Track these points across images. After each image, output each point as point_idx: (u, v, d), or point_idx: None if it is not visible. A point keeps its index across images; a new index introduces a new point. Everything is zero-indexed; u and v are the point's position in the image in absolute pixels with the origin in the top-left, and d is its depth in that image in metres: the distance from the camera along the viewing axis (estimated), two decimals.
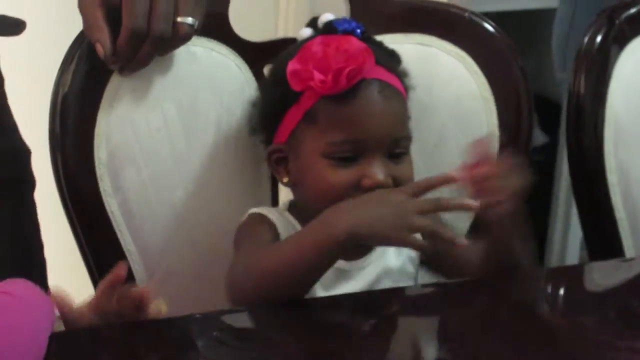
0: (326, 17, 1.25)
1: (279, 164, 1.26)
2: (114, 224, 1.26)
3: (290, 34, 1.37)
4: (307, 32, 1.27)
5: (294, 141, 1.23)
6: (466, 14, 1.41)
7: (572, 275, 1.33)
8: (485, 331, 1.13)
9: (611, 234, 1.46)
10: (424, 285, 1.30)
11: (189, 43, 1.23)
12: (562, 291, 1.30)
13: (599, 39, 1.45)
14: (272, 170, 1.29)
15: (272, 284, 1.13)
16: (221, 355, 1.08)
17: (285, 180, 1.26)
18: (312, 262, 1.11)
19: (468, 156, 1.13)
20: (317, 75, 1.16)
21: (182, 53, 1.25)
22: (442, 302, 1.22)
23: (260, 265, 1.16)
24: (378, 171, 1.17)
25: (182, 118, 1.28)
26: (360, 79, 1.17)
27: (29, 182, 1.34)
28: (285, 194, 1.38)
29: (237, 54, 1.33)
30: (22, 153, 1.34)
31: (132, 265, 1.27)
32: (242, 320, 1.17)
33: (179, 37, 1.19)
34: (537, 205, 1.38)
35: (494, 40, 1.41)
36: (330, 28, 1.24)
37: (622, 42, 1.47)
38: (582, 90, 1.44)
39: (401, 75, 1.25)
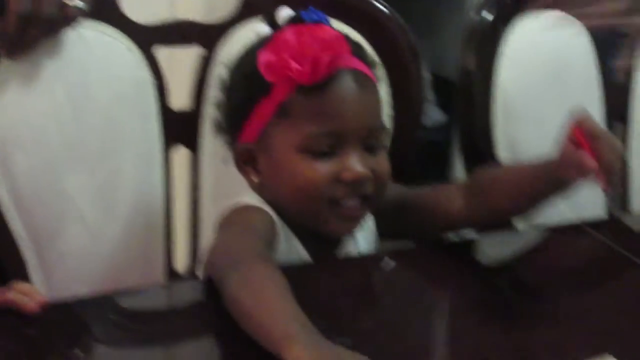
0: (286, 11, 1.19)
1: (247, 164, 1.21)
2: (3, 209, 1.25)
3: (186, 17, 1.38)
4: (265, 29, 1.22)
5: (266, 138, 1.18)
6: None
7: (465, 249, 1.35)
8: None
9: None
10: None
11: (78, 26, 1.23)
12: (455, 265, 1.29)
13: (486, 16, 1.47)
14: (239, 171, 1.23)
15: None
16: (116, 338, 1.07)
17: (256, 180, 1.21)
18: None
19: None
20: (294, 65, 1.12)
21: (71, 36, 1.25)
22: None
23: (234, 285, 1.06)
24: (357, 164, 1.14)
25: (72, 102, 1.27)
26: (339, 70, 1.14)
27: None
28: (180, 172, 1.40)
29: (127, 37, 1.32)
30: None
31: (23, 250, 1.27)
32: (137, 301, 1.17)
33: (67, 20, 1.19)
34: (436, 183, 1.40)
35: (384, 21, 1.42)
36: (296, 17, 1.19)
37: (508, 19, 1.49)
38: (471, 67, 1.47)
39: (371, 65, 1.22)
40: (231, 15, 1.37)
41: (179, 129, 1.37)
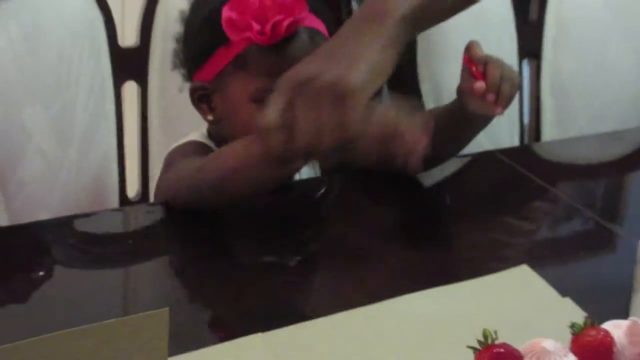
0: None
1: (202, 101, 1.20)
2: None
3: None
4: None
5: (221, 82, 1.18)
6: None
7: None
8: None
9: None
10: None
11: None
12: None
13: None
14: (194, 106, 1.22)
15: (211, 194, 1.11)
16: (74, 258, 1.11)
17: (210, 117, 1.21)
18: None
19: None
20: (256, 26, 1.11)
21: None
22: None
23: (198, 176, 1.12)
24: None
25: (26, 39, 1.28)
26: (297, 29, 1.13)
27: None
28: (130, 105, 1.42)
29: None
30: None
31: None
32: (93, 225, 1.20)
33: None
34: None
35: None
36: None
37: None
38: None
39: (326, 19, 1.20)
40: None
41: (128, 64, 1.37)
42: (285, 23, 1.10)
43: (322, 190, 1.28)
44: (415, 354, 0.92)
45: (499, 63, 1.13)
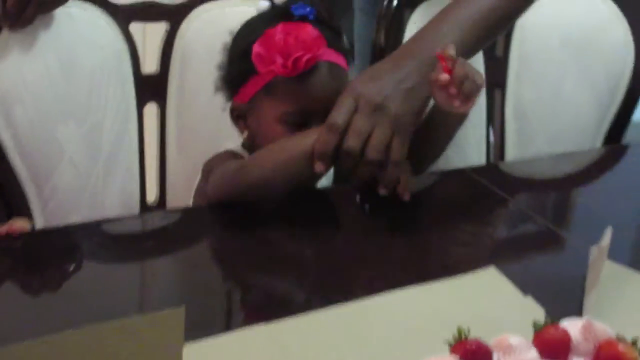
0: None
1: (239, 119, 1.23)
2: (7, 152, 1.26)
3: None
4: (264, 4, 1.22)
5: (254, 105, 1.20)
6: None
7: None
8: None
9: None
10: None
11: (66, 5, 1.23)
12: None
13: (394, 3, 1.46)
14: (233, 123, 1.25)
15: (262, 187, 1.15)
16: (100, 256, 1.10)
17: (245, 134, 1.23)
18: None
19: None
20: (279, 60, 1.14)
21: (60, 13, 1.25)
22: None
23: (242, 171, 1.17)
24: None
25: (61, 67, 1.28)
26: (318, 63, 1.15)
27: None
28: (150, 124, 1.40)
29: (108, 14, 1.31)
30: None
31: (23, 186, 1.28)
32: (117, 228, 1.19)
33: (59, 2, 1.20)
34: None
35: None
36: (287, 12, 1.18)
37: (413, 6, 1.48)
38: (382, 43, 1.46)
39: (345, 52, 1.22)
40: None
41: (150, 89, 1.37)
42: (305, 58, 1.13)
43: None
44: (396, 347, 0.91)
45: (466, 64, 1.12)
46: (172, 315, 0.71)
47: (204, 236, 1.17)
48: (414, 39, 1.25)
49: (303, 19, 1.17)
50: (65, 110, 1.29)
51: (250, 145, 1.24)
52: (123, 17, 1.33)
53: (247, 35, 1.20)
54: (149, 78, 1.37)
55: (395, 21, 1.46)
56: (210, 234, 1.18)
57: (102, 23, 1.31)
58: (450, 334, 0.78)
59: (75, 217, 1.29)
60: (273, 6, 1.21)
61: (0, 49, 1.23)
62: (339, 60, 1.20)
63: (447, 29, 1.23)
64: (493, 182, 1.33)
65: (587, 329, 0.81)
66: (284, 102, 1.17)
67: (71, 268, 1.07)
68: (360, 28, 1.71)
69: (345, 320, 0.94)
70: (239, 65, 1.21)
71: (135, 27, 1.35)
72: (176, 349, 0.72)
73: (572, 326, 0.82)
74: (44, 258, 1.06)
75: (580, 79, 1.62)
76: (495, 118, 1.60)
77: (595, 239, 1.05)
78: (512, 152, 1.61)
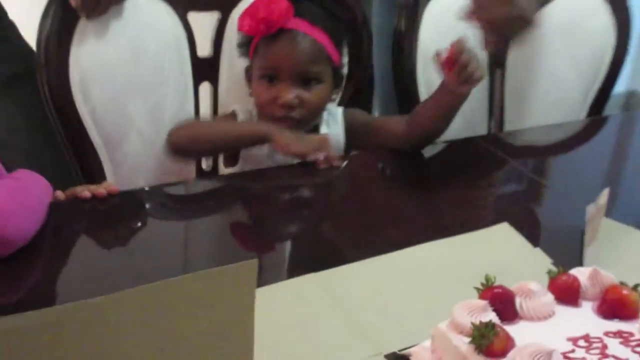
0: None
1: (248, 78, 1.25)
2: (85, 125, 1.25)
3: None
4: None
5: (252, 63, 1.23)
6: None
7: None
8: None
9: None
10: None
11: None
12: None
13: None
14: (247, 84, 1.26)
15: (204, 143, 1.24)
16: (163, 214, 1.11)
17: (249, 91, 1.25)
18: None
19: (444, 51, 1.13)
20: (252, 22, 1.16)
21: (129, 4, 1.24)
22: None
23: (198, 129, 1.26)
24: (286, 93, 1.17)
25: (130, 50, 1.26)
26: (281, 28, 1.16)
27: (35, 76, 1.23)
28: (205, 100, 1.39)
29: (168, 4, 1.30)
30: (29, 52, 1.28)
31: (99, 153, 1.27)
32: (178, 191, 1.19)
33: None
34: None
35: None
36: None
37: None
38: (402, 29, 1.43)
39: (328, 28, 1.21)
40: None
41: (204, 70, 1.35)
42: (267, 20, 1.15)
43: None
44: (427, 292, 0.91)
45: (473, 58, 1.14)
46: (246, 266, 0.70)
47: (248, 198, 1.17)
48: None
49: None
50: (134, 89, 1.28)
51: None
52: (181, 7, 1.31)
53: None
54: (204, 61, 1.35)
55: (415, 11, 1.44)
56: (254, 197, 1.17)
57: (163, 12, 1.30)
58: (471, 281, 0.78)
59: (142, 180, 1.28)
60: None
61: (79, 35, 1.22)
62: (311, 31, 1.18)
63: None
64: (498, 148, 1.34)
65: (594, 276, 0.81)
66: (261, 60, 1.19)
67: (139, 223, 1.07)
68: (378, 18, 1.66)
69: (380, 270, 0.94)
70: (242, 34, 1.24)
71: (192, 16, 1.32)
72: (249, 298, 0.71)
73: (580, 274, 0.82)
74: (116, 216, 1.07)
75: (568, 60, 1.58)
76: (496, 94, 1.58)
77: (588, 197, 1.04)
78: (510, 123, 1.59)
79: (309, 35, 1.18)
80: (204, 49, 1.34)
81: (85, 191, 1.05)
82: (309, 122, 1.22)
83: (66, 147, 1.25)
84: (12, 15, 1.33)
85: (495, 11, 1.21)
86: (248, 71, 1.24)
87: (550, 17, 1.52)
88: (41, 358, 0.64)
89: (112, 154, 1.28)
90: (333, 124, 1.28)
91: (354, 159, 1.28)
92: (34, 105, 1.23)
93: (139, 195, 1.12)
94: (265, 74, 1.19)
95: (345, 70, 1.29)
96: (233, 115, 1.26)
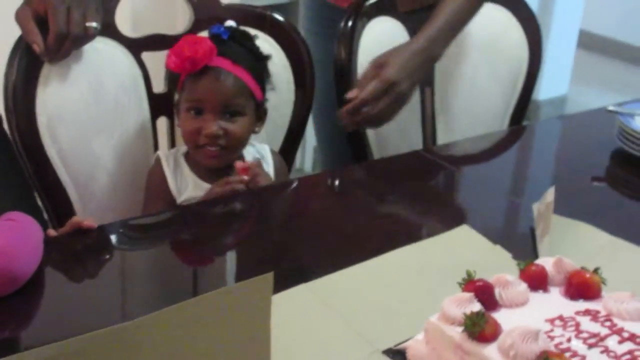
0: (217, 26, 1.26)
1: (178, 113, 1.28)
2: (53, 164, 1.25)
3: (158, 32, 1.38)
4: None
5: (179, 99, 1.27)
6: (267, 14, 1.42)
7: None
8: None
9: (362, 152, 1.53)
10: None
11: (94, 41, 1.23)
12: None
13: (350, 24, 1.49)
14: (176, 116, 1.29)
15: None
16: (132, 244, 1.12)
17: (178, 124, 1.28)
18: None
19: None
20: (173, 58, 1.21)
21: (89, 48, 1.25)
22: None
23: None
24: (211, 124, 1.21)
25: (92, 92, 1.27)
26: (205, 65, 1.20)
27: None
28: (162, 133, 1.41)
29: (123, 46, 1.32)
30: None
31: (68, 191, 1.27)
32: (146, 222, 1.20)
33: (88, 37, 1.20)
34: None
35: (287, 28, 1.44)
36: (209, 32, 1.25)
37: (363, 23, 1.51)
38: (342, 58, 1.48)
39: (250, 66, 1.25)
40: (188, 29, 1.37)
41: (160, 105, 1.37)
42: (191, 59, 1.19)
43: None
44: (409, 291, 0.97)
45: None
46: (262, 280, 0.74)
47: (231, 221, 1.20)
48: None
49: (215, 37, 1.23)
50: (97, 127, 1.29)
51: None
52: (136, 47, 1.33)
53: None
54: (159, 96, 1.37)
55: (352, 38, 1.50)
56: (230, 220, 1.19)
57: (119, 53, 1.32)
58: (446, 278, 0.84)
59: (111, 215, 1.28)
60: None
61: (43, 79, 1.23)
62: (232, 69, 1.23)
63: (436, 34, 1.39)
64: (441, 159, 1.41)
65: (558, 264, 0.89)
66: (188, 94, 1.23)
67: (107, 255, 1.07)
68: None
69: (364, 275, 0.99)
70: (170, 73, 1.29)
71: (146, 55, 1.34)
72: (266, 307, 0.75)
73: (546, 263, 0.89)
74: (90, 248, 1.07)
75: (489, 75, 1.67)
76: (427, 111, 1.65)
77: (529, 197, 1.12)
78: (441, 136, 1.66)
79: (232, 73, 1.22)
80: (159, 86, 1.36)
81: (89, 220, 1.07)
82: (234, 150, 1.26)
83: (36, 188, 1.25)
84: None
85: None
86: (177, 105, 1.27)
87: (470, 36, 1.62)
88: None
89: (81, 192, 1.28)
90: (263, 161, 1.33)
91: (305, 180, 1.37)
92: None
93: (110, 229, 1.12)
94: (191, 107, 1.22)
95: (266, 105, 1.33)
96: (157, 160, 1.28)
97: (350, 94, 1.31)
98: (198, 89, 1.21)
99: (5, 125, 1.23)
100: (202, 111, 1.21)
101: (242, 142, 1.27)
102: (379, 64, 1.33)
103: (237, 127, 1.23)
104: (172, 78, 1.27)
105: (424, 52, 1.38)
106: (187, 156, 1.29)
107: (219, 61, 1.22)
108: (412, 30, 1.54)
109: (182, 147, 1.31)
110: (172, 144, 1.42)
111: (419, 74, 1.38)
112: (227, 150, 1.24)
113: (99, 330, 0.66)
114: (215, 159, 1.24)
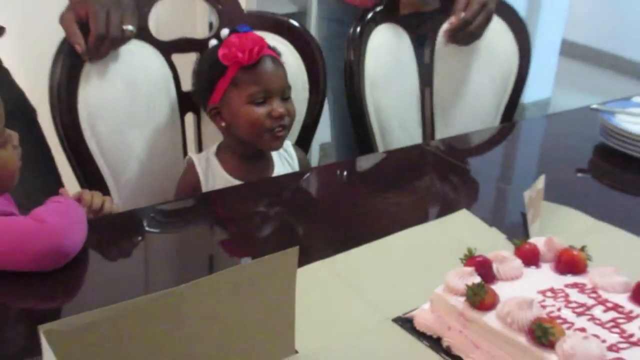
0: (225, 30, 1.25)
1: (216, 116, 1.26)
2: (93, 154, 1.27)
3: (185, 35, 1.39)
4: (214, 42, 1.27)
5: (225, 100, 1.24)
6: (286, 20, 1.44)
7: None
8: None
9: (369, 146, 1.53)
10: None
11: (129, 43, 1.25)
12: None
13: (358, 28, 1.50)
14: (212, 120, 1.28)
15: None
16: (160, 227, 1.12)
17: (223, 124, 1.26)
18: None
19: None
20: (240, 54, 1.19)
21: (124, 49, 1.27)
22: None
23: None
24: (279, 107, 1.22)
25: (127, 90, 1.29)
26: (262, 55, 1.21)
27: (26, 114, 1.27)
28: (189, 127, 1.42)
29: (155, 48, 1.33)
30: (20, 95, 1.29)
31: (105, 178, 1.29)
32: (173, 207, 1.20)
33: (125, 39, 1.22)
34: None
35: (302, 34, 1.45)
36: (234, 32, 1.23)
37: (370, 29, 1.52)
38: (351, 58, 1.48)
39: (278, 54, 1.27)
40: (213, 34, 1.36)
41: (188, 102, 1.38)
42: (255, 49, 1.19)
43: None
44: (415, 266, 0.98)
45: None
46: (289, 253, 0.75)
47: (247, 209, 1.18)
48: None
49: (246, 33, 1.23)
50: (131, 121, 1.30)
51: (231, 134, 1.27)
52: (167, 50, 1.34)
53: (211, 52, 1.25)
54: (187, 94, 1.37)
55: (360, 43, 1.51)
56: (245, 209, 1.18)
57: (152, 55, 1.33)
58: (448, 255, 0.86)
59: (142, 199, 1.30)
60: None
61: (84, 78, 1.25)
62: (276, 56, 1.25)
63: None
64: (439, 151, 1.43)
65: (549, 243, 0.91)
66: (248, 87, 1.21)
67: (139, 237, 1.09)
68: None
69: (374, 253, 1.01)
70: (208, 74, 1.24)
71: (175, 57, 1.36)
72: (292, 277, 0.76)
73: (538, 242, 0.91)
74: (119, 231, 1.08)
75: (482, 77, 1.68)
76: (426, 109, 1.67)
77: (519, 185, 1.13)
78: (440, 131, 1.67)
79: (278, 59, 1.25)
80: (187, 85, 1.36)
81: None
82: (289, 130, 1.28)
83: (77, 175, 1.27)
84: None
85: None
86: (214, 109, 1.25)
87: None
88: (137, 339, 0.68)
89: (117, 179, 1.30)
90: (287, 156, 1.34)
91: (323, 171, 1.36)
92: (26, 139, 1.23)
93: (141, 214, 1.13)
94: (257, 95, 1.21)
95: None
96: (190, 164, 1.28)
97: (453, 20, 1.46)
98: (262, 77, 1.21)
99: (39, 119, 1.25)
100: (266, 97, 1.21)
101: (293, 121, 1.29)
102: None
103: (292, 107, 1.26)
104: (211, 80, 1.24)
105: None
106: (218, 155, 1.29)
107: (268, 51, 1.23)
108: (413, 34, 1.58)
109: (211, 148, 1.31)
110: (199, 137, 1.43)
111: None
112: (287, 130, 1.25)
113: (147, 295, 0.67)
114: (280, 139, 1.25)
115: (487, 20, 1.49)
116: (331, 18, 1.74)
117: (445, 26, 1.50)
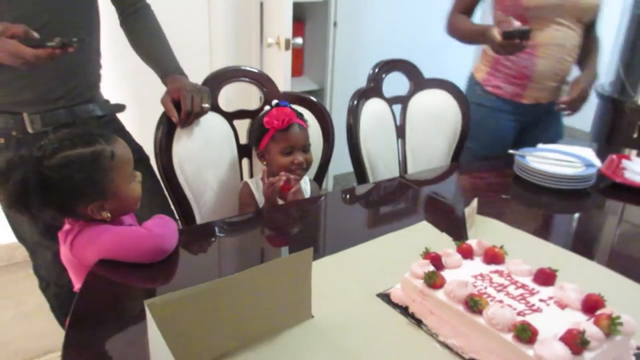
0: (275, 101, 1.27)
1: (261, 158, 1.28)
2: (182, 187, 1.27)
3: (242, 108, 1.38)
4: (267, 107, 1.29)
5: (267, 148, 1.25)
6: (307, 97, 1.42)
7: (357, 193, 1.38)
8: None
9: (364, 178, 1.48)
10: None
11: (206, 114, 1.26)
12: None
13: (355, 101, 1.50)
14: (259, 160, 1.29)
15: None
16: (233, 235, 1.09)
17: (264, 163, 1.27)
18: None
19: None
20: (276, 122, 1.21)
21: (203, 118, 1.27)
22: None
23: None
24: (300, 158, 1.23)
25: (204, 144, 1.29)
26: (291, 123, 1.22)
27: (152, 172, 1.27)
28: (245, 169, 1.41)
29: (222, 116, 1.33)
30: (145, 158, 1.30)
31: (191, 203, 1.29)
32: (238, 220, 1.17)
33: (204, 112, 1.24)
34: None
35: (319, 107, 1.44)
36: (278, 104, 1.25)
37: (363, 102, 1.51)
38: (351, 122, 1.49)
39: (305, 121, 1.28)
40: (259, 106, 1.36)
41: (244, 151, 1.39)
42: (286, 120, 1.20)
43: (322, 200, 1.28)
44: (391, 259, 0.97)
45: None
46: (304, 254, 0.75)
47: (286, 221, 1.16)
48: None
49: (283, 106, 1.23)
50: (207, 164, 1.30)
51: (269, 169, 1.26)
52: (230, 117, 1.34)
53: (261, 117, 1.26)
54: (244, 146, 1.37)
55: (356, 112, 1.51)
56: (286, 220, 1.16)
57: (220, 121, 1.33)
58: (414, 252, 0.85)
59: (215, 216, 1.31)
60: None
61: (177, 137, 1.25)
62: (302, 123, 1.25)
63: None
64: (410, 181, 1.40)
65: (479, 243, 0.91)
66: (280, 142, 1.22)
67: (212, 240, 1.06)
68: None
69: (362, 251, 1.00)
70: (258, 130, 1.25)
71: (236, 122, 1.35)
72: (307, 278, 0.75)
73: (472, 242, 0.92)
74: (198, 240, 1.06)
75: (438, 133, 1.67)
76: (401, 153, 1.66)
77: (462, 204, 1.12)
78: (410, 168, 1.66)
79: (302, 125, 1.25)
80: (243, 139, 1.36)
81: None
82: (306, 171, 1.29)
83: (171, 200, 1.28)
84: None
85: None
86: (260, 154, 1.27)
87: (427, 109, 1.63)
88: (211, 310, 0.69)
89: (198, 202, 1.29)
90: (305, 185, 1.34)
91: (332, 195, 1.35)
92: (144, 177, 1.25)
93: (216, 225, 1.13)
94: (285, 149, 1.23)
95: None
96: (245, 184, 1.28)
97: (565, 98, 1.49)
98: (290, 137, 1.22)
99: (153, 163, 1.28)
100: (291, 151, 1.22)
101: (310, 165, 1.30)
102: (577, 81, 1.51)
103: (310, 156, 1.26)
104: (259, 135, 1.25)
105: (591, 79, 1.54)
106: (262, 180, 1.27)
107: (296, 119, 1.24)
108: (391, 108, 1.57)
109: (259, 175, 1.30)
110: (251, 173, 1.44)
111: (591, 87, 1.54)
112: (304, 171, 1.25)
113: (218, 278, 0.69)
114: (301, 177, 1.24)
115: (585, 100, 1.53)
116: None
117: (563, 98, 1.53)
